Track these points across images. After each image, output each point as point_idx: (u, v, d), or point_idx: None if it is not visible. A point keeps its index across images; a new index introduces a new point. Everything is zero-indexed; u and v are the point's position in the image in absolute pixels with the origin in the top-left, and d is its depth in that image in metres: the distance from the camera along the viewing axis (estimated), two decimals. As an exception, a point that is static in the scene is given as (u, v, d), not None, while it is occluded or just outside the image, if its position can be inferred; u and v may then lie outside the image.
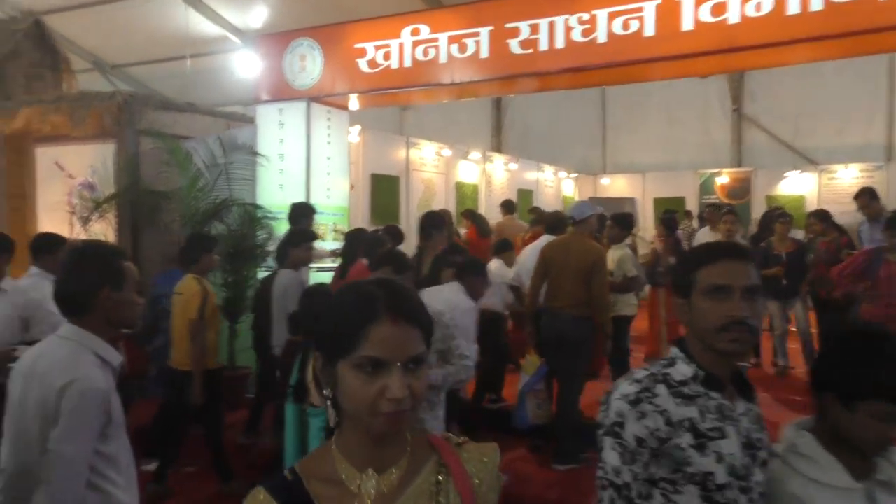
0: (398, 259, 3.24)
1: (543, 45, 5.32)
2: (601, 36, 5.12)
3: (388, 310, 1.10)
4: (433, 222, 5.35)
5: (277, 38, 6.62)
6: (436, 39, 5.77)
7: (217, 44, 14.32)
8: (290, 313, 4.03)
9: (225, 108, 8.81)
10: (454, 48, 5.70)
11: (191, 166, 6.18)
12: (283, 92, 6.54)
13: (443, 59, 5.75)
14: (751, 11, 4.65)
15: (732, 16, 4.70)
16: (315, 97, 6.48)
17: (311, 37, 6.35)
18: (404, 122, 16.00)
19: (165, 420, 4.57)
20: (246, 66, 13.85)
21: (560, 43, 5.26)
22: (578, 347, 4.75)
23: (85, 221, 6.72)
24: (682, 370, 1.56)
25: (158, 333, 5.02)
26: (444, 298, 3.77)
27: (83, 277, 1.97)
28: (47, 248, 4.27)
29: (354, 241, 5.42)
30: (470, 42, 5.62)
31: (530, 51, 5.39)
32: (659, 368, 1.59)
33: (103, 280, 1.97)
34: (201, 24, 13.64)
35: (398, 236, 5.91)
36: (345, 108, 6.86)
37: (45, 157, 7.33)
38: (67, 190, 7.23)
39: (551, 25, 5.27)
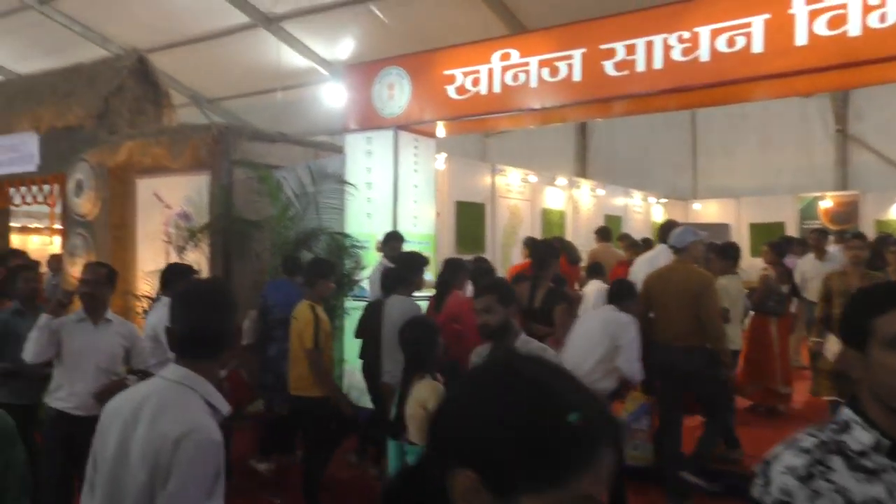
0: (504, 289, 3.03)
1: (640, 66, 5.09)
2: (703, 54, 4.84)
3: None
4: (550, 251, 5.00)
5: (366, 68, 6.66)
6: (526, 64, 5.64)
7: (306, 76, 14.72)
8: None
9: (314, 138, 8.97)
10: (545, 72, 5.55)
11: (281, 195, 6.25)
12: (371, 121, 6.55)
13: (533, 83, 5.60)
14: (874, 22, 4.28)
15: (853, 28, 4.34)
16: (403, 125, 6.45)
17: (399, 65, 6.35)
18: (487, 148, 15.94)
19: (309, 455, 4.53)
20: (334, 97, 14.18)
21: (658, 63, 5.01)
22: (692, 380, 4.44)
23: (180, 251, 6.91)
24: (860, 437, 1.30)
25: (272, 342, 4.99)
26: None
27: (227, 317, 1.87)
28: (180, 277, 4.33)
29: (451, 270, 5.26)
30: (562, 65, 5.45)
31: (626, 72, 5.16)
32: (830, 435, 1.33)
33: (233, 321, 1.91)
34: (291, 58, 14.06)
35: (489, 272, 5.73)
36: (432, 135, 6.81)
37: (145, 188, 7.62)
38: (164, 220, 7.47)
39: (649, 45, 5.04)
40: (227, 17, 12.75)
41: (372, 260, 6.48)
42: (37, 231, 14.42)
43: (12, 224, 10.80)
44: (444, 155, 7.56)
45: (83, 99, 7.62)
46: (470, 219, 8.52)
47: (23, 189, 8.56)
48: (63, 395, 3.60)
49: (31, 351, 3.59)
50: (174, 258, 6.98)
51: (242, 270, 7.19)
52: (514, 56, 5.69)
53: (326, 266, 4.77)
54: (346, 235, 6.47)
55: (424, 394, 3.06)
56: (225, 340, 1.85)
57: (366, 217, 6.62)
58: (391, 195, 6.47)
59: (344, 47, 13.83)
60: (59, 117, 7.75)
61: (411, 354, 3.19)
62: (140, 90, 7.87)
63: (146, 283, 7.04)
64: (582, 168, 15.45)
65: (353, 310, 6.32)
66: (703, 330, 4.37)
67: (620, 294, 4.35)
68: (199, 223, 6.95)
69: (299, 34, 13.58)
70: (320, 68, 14.50)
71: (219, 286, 1.94)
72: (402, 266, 4.75)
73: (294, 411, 4.60)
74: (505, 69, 5.73)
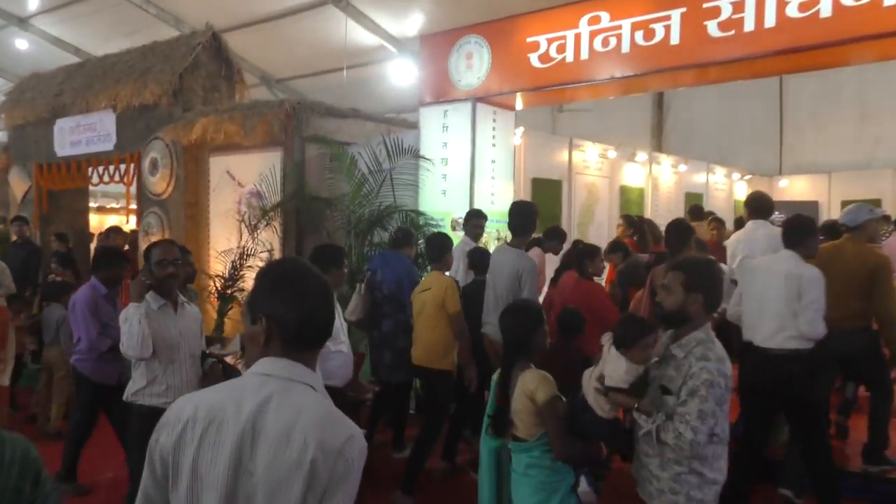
0: (694, 271, 2.59)
1: (749, 26, 4.60)
2: (825, 9, 4.32)
3: None
4: (685, 230, 4.45)
5: (443, 37, 6.35)
6: (617, 27, 5.21)
7: (374, 53, 14.51)
8: None
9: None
10: (638, 35, 5.11)
11: (355, 172, 6.03)
12: (447, 93, 6.25)
13: (625, 48, 5.18)
14: None
15: None
16: (481, 97, 6.13)
17: (478, 33, 6.01)
18: (556, 123, 15.41)
19: (427, 422, 4.50)
20: (401, 74, 14.02)
21: (770, 21, 4.52)
22: (854, 362, 4.29)
23: (253, 229, 6.81)
24: None
25: (385, 318, 4.81)
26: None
27: (333, 302, 1.70)
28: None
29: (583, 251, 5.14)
30: (658, 27, 5.00)
31: (732, 32, 4.68)
32: None
33: None
34: (359, 35, 13.85)
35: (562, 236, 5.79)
36: (511, 108, 6.46)
37: (217, 165, 7.56)
38: (237, 198, 7.40)
39: (760, 1, 4.54)
40: (296, -7, 12.66)
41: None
42: (113, 211, 14.80)
43: (90, 204, 11.03)
44: (521, 129, 7.19)
45: (158, 76, 7.59)
46: (546, 196, 8.13)
47: (100, 168, 8.66)
48: (160, 391, 3.33)
49: (139, 345, 3.23)
50: (246, 237, 6.90)
51: (315, 249, 7.05)
52: (605, 19, 5.26)
53: (448, 240, 4.78)
54: (421, 213, 6.22)
55: (532, 384, 2.78)
56: (331, 328, 1.62)
57: (440, 194, 6.35)
58: (468, 171, 6.17)
59: (412, 23, 13.54)
60: (136, 95, 7.75)
61: (513, 341, 2.89)
62: (213, 67, 7.79)
63: (219, 262, 6.99)
64: (658, 143, 14.76)
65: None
66: (874, 310, 4.13)
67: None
68: (272, 201, 6.83)
69: (367, 10, 13.35)
70: (388, 45, 14.25)
71: (314, 268, 1.68)
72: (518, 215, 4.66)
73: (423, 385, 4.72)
74: (594, 34, 5.32)
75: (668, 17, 4.95)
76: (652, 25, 5.03)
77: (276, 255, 6.94)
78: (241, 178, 7.33)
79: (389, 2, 12.87)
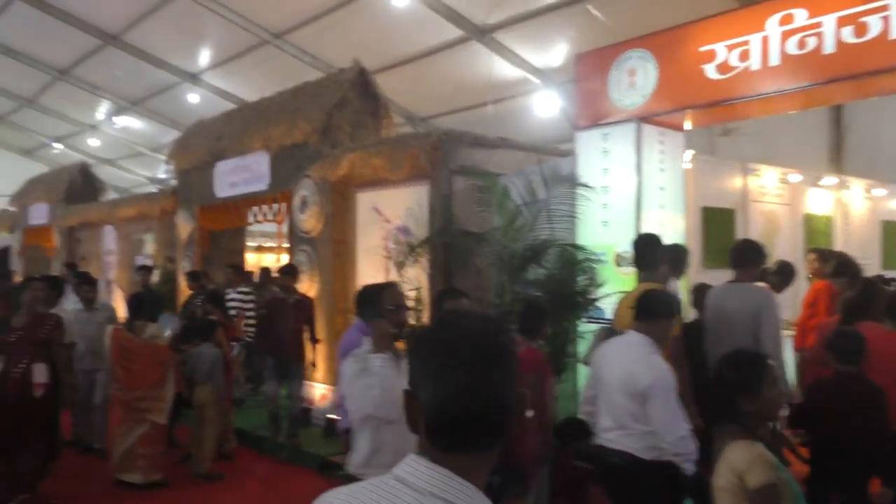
0: None
1: None
2: None
3: None
4: None
5: (602, 54, 5.80)
6: (817, 25, 4.41)
7: (517, 87, 14.23)
8: None
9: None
10: (846, 32, 4.28)
11: (508, 203, 5.58)
12: (607, 114, 5.67)
13: (828, 47, 4.36)
14: None
15: None
16: (645, 117, 5.49)
17: (643, 47, 5.41)
18: (716, 147, 14.21)
19: None
20: (546, 106, 13.62)
21: None
22: None
23: (399, 266, 6.54)
24: None
25: None
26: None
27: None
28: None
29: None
30: (873, 20, 4.15)
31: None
32: None
33: None
34: (503, 69, 13.63)
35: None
36: (679, 128, 5.76)
37: (364, 202, 7.44)
38: (384, 234, 7.20)
39: None
40: (440, 33, 12.66)
41: (610, 275, 5.57)
42: (269, 250, 15.46)
43: (248, 243, 11.47)
44: (690, 152, 6.43)
45: (308, 115, 7.65)
46: (718, 227, 7.24)
47: (255, 208, 8.87)
48: (388, 461, 2.76)
49: (392, 405, 2.80)
50: (393, 274, 6.63)
51: (464, 286, 6.64)
52: (800, 17, 4.48)
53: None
54: (580, 247, 5.63)
55: (742, 461, 2.13)
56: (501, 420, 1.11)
57: (601, 226, 5.73)
58: (633, 200, 5.52)
59: (557, 53, 13.14)
60: (287, 135, 7.86)
61: (727, 402, 2.25)
62: (360, 103, 7.75)
63: (367, 300, 6.76)
64: (837, 165, 13.14)
65: (586, 334, 5.47)
66: None
67: None
68: (419, 236, 6.54)
69: (511, 44, 13.11)
70: (532, 77, 13.91)
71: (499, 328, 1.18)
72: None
73: None
74: (786, 35, 4.55)
75: (885, 7, 4.10)
76: (863, 19, 4.20)
77: (424, 292, 6.61)
78: (388, 213, 7.13)
79: (533, 34, 12.55)
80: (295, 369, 6.88)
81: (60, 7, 13.95)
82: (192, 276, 8.54)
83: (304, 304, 7.14)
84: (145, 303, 6.17)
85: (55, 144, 22.68)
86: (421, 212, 6.56)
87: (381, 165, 6.79)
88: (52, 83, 17.99)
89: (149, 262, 11.40)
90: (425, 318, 6.59)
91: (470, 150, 6.67)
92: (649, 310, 3.43)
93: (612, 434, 3.39)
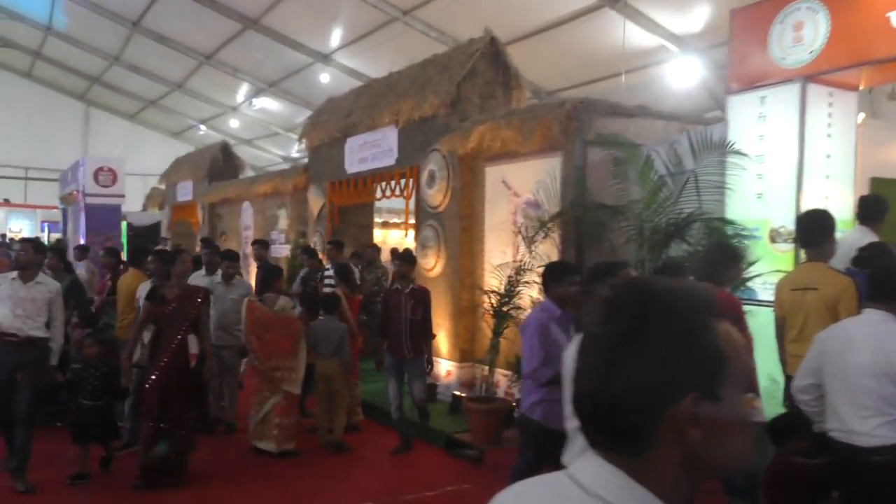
0: None
1: None
2: None
3: None
4: None
5: (762, 8, 5.20)
6: None
7: (651, 55, 13.44)
8: None
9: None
10: None
11: (651, 174, 5.16)
12: (766, 74, 5.09)
13: None
14: None
15: None
16: (812, 76, 4.87)
17: (812, -4, 4.78)
18: (878, 110, 12.74)
19: None
20: (683, 75, 12.77)
21: None
22: None
23: (530, 242, 6.29)
24: None
25: None
26: None
27: None
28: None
29: None
30: None
31: None
32: None
33: None
34: (637, 37, 12.89)
35: None
36: (853, 87, 5.08)
37: (493, 175, 7.23)
38: (512, 209, 6.96)
39: None
40: (572, 0, 12.15)
41: (764, 252, 5.04)
42: (395, 226, 15.69)
43: (375, 219, 11.62)
44: (862, 115, 5.68)
45: (437, 88, 7.52)
46: (890, 200, 6.40)
47: (383, 183, 8.91)
48: None
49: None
50: (523, 250, 6.40)
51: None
52: None
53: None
54: (730, 222, 5.12)
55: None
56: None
57: (755, 199, 5.18)
58: (794, 169, 4.93)
59: (696, 18, 12.24)
60: (416, 108, 7.79)
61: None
62: (490, 74, 7.51)
63: (494, 277, 6.58)
64: None
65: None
66: None
67: None
68: (550, 211, 6.25)
69: (646, 9, 12.34)
70: (669, 44, 13.07)
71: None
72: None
73: None
74: None
75: None
76: None
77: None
78: (517, 187, 6.88)
79: (671, -2, 11.75)
80: (414, 367, 6.18)
81: (206, -7, 14.74)
82: (308, 253, 8.60)
83: (421, 294, 6.42)
84: (273, 276, 6.34)
85: (200, 126, 24.23)
86: (552, 185, 6.26)
87: (511, 137, 6.54)
88: (198, 68, 19.14)
89: (281, 238, 11.85)
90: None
91: (605, 120, 6.27)
92: (889, 288, 3.03)
93: (864, 424, 2.93)
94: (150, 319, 5.30)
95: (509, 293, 6.24)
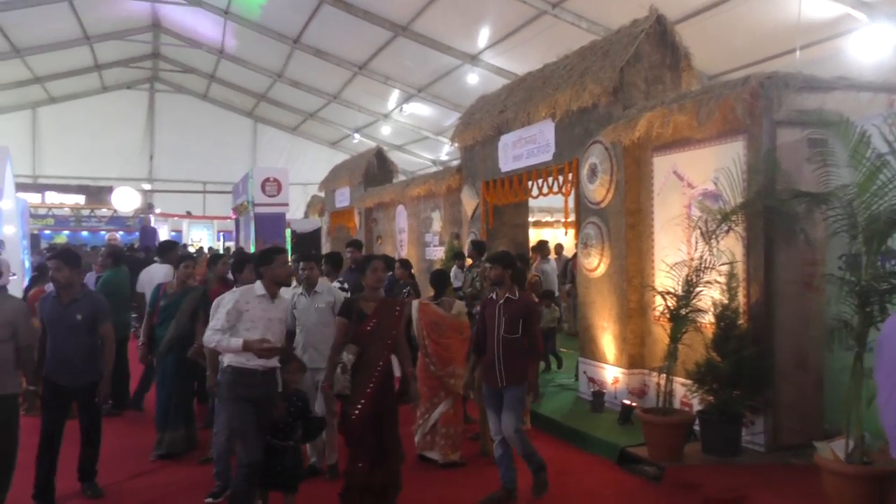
0: None
1: None
2: None
3: None
4: None
5: None
6: None
7: (832, 27, 12.03)
8: None
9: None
10: None
11: (869, 154, 4.40)
12: None
13: None
14: None
15: None
16: None
17: None
18: None
19: None
20: (871, 46, 11.27)
21: None
22: None
23: (708, 237, 5.66)
24: None
25: None
26: None
27: None
28: None
29: None
30: None
31: None
32: None
33: None
34: (816, 8, 11.58)
35: None
36: None
37: (662, 166, 6.64)
38: (686, 201, 6.34)
39: None
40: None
41: None
42: (548, 224, 15.27)
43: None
44: None
45: (597, 75, 7.05)
46: None
47: (539, 180, 8.57)
48: None
49: None
50: (701, 247, 5.78)
51: (787, 262, 5.56)
52: None
53: None
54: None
55: None
56: None
57: None
58: None
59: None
60: (574, 99, 7.36)
61: None
62: (657, 56, 6.92)
63: (669, 277, 6.01)
64: None
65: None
66: None
67: None
68: (733, 202, 5.59)
69: (829, -26, 11.06)
70: (855, 12, 11.61)
71: None
72: None
73: None
74: None
75: None
76: None
77: (740, 267, 5.66)
78: (692, 177, 6.26)
79: (861, -43, 10.41)
80: (510, 396, 4.88)
81: (358, 5, 15.17)
82: (403, 264, 8.04)
83: (520, 306, 4.98)
84: (446, 280, 6.22)
85: (355, 135, 25.20)
86: (735, 173, 5.59)
87: (684, 122, 5.94)
88: (352, 78, 19.87)
89: (435, 240, 11.85)
90: (740, 296, 5.65)
91: (798, 96, 5.51)
92: None
93: None
94: (348, 340, 4.50)
95: (688, 295, 5.65)
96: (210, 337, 4.25)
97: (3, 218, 16.23)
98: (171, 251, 7.67)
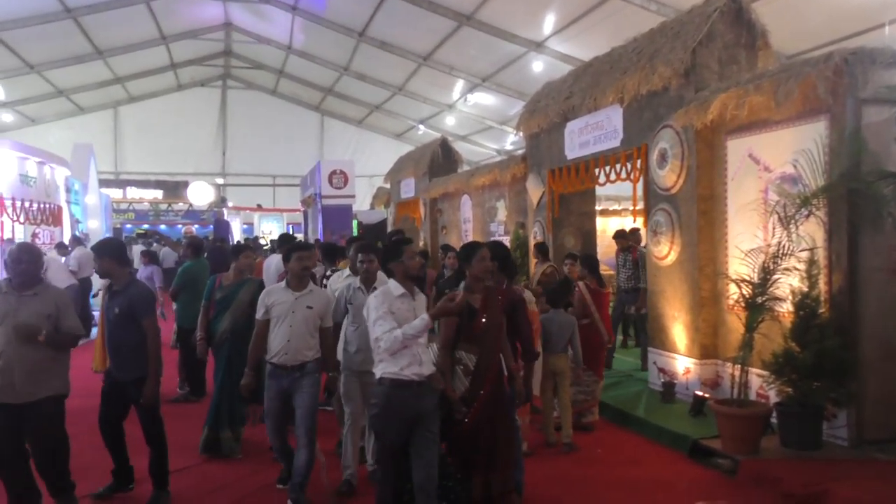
0: None
1: None
2: None
3: None
4: None
5: None
6: None
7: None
8: None
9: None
10: None
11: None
12: None
13: None
14: None
15: None
16: None
17: None
18: None
19: None
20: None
21: None
22: None
23: (787, 222, 5.42)
24: None
25: None
26: None
27: None
28: None
29: None
30: None
31: None
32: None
33: None
34: (905, -21, 10.91)
35: None
36: None
37: (737, 149, 6.39)
38: (762, 186, 6.09)
39: None
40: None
41: None
42: (615, 213, 14.94)
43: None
44: None
45: (668, 57, 6.84)
46: None
47: (607, 167, 8.40)
48: None
49: None
50: (779, 233, 5.54)
51: (873, 248, 5.27)
52: None
53: None
54: None
55: None
56: None
57: None
58: None
59: None
60: (644, 82, 7.17)
61: None
62: (731, 36, 6.65)
63: (743, 264, 5.79)
64: None
65: None
66: None
67: None
68: (814, 185, 5.33)
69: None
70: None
71: None
72: None
73: None
74: None
75: None
76: None
77: (821, 253, 5.40)
78: (769, 160, 6.00)
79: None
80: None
81: (423, -5, 15.25)
82: (543, 252, 8.12)
83: (508, 300, 4.41)
84: (514, 266, 6.18)
85: (419, 126, 25.35)
86: (817, 154, 5.33)
87: (761, 103, 5.70)
88: (417, 69, 19.98)
89: (500, 230, 11.79)
90: (821, 284, 5.39)
91: (885, 72, 5.20)
92: None
93: None
94: (459, 339, 4.09)
95: (764, 283, 5.43)
96: (390, 337, 3.64)
97: (88, 212, 17.12)
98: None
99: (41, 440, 4.25)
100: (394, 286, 3.91)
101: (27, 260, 4.21)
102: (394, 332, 3.65)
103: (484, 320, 4.08)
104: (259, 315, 4.63)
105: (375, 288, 4.60)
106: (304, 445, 4.45)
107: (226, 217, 27.01)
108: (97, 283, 11.23)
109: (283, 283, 4.62)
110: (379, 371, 3.78)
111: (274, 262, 8.17)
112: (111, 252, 4.70)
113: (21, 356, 4.06)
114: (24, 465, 4.20)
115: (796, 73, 5.38)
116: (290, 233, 21.33)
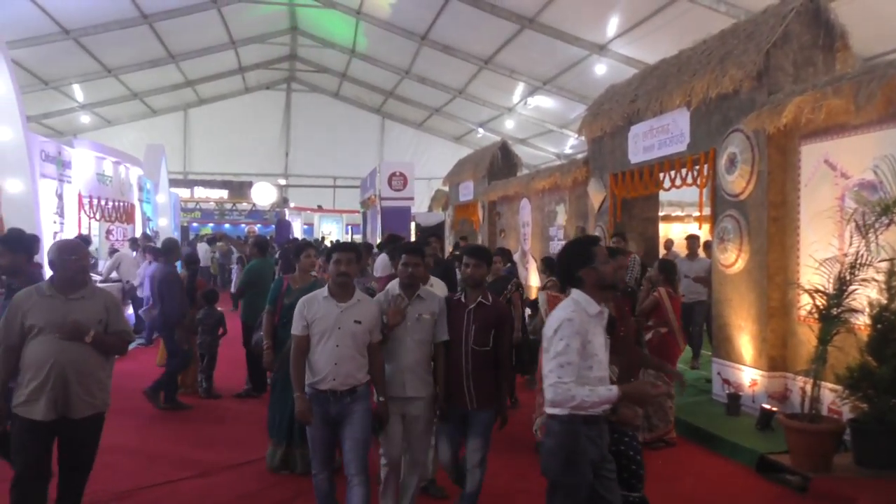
0: None
1: None
2: None
3: None
4: None
5: None
6: None
7: None
8: None
9: None
10: None
11: None
12: None
13: None
14: None
15: None
16: None
17: None
18: None
19: None
20: None
21: None
22: None
23: (866, 231, 5.19)
24: None
25: None
26: None
27: None
28: None
29: None
30: None
31: None
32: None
33: None
34: None
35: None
36: None
37: (811, 155, 6.16)
38: (839, 193, 5.85)
39: None
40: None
41: None
42: (678, 219, 14.62)
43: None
44: None
45: (739, 59, 6.64)
46: None
47: (672, 172, 8.21)
48: None
49: None
50: (857, 241, 5.30)
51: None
52: None
53: None
54: None
55: None
56: None
57: None
58: None
59: None
60: (713, 85, 6.98)
61: None
62: (808, 37, 6.41)
63: (817, 274, 5.57)
64: None
65: None
66: None
67: None
68: (894, 193, 5.09)
69: None
70: None
71: None
72: None
73: None
74: None
75: None
76: None
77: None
78: (846, 166, 5.76)
79: None
80: (481, 421, 3.94)
81: (486, -1, 15.25)
82: (503, 254, 7.70)
83: (491, 313, 4.00)
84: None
85: (479, 129, 25.36)
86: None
87: (839, 107, 5.48)
88: (478, 73, 19.99)
89: (559, 234, 11.67)
90: (904, 296, 5.13)
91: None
92: None
93: None
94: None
95: (840, 293, 5.21)
96: (566, 391, 2.80)
97: (159, 211, 17.80)
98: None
99: (78, 457, 3.74)
100: (583, 299, 2.96)
101: (76, 258, 3.68)
102: (573, 388, 2.81)
103: (622, 332, 3.80)
104: (297, 330, 3.81)
105: (420, 297, 4.00)
106: (359, 483, 3.71)
107: (287, 217, 27.62)
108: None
109: (324, 292, 3.86)
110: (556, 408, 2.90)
111: (381, 264, 7.53)
112: (24, 248, 4.40)
113: (75, 367, 3.55)
114: (47, 485, 3.65)
115: (879, 76, 5.15)
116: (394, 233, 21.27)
